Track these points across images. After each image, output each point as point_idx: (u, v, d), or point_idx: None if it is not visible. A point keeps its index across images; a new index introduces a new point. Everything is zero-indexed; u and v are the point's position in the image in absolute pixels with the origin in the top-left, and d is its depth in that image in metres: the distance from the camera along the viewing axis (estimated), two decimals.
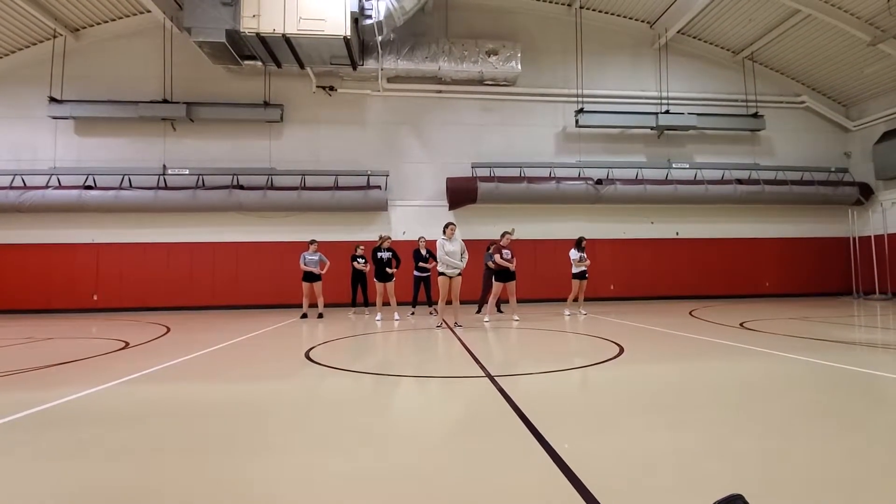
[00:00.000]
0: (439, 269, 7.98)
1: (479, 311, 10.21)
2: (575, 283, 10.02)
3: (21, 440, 2.65)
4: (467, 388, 3.82)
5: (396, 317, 9.37)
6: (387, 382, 4.16)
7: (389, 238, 9.81)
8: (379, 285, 9.45)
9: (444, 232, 8.04)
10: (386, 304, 9.62)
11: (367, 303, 11.34)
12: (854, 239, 15.04)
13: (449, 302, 8.02)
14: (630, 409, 3.18)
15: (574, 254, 10.06)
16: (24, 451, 2.48)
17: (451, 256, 7.93)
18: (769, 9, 13.29)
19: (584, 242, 10.22)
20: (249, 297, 13.28)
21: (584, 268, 10.04)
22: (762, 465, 2.16)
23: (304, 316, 10.08)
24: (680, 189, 14.04)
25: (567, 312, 10.05)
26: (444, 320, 8.22)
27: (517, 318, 8.92)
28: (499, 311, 10.31)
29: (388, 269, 9.43)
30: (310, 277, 10.05)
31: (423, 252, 10.67)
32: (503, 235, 9.01)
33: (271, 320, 9.80)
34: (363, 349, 6.21)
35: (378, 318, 9.34)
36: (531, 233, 13.64)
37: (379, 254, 9.40)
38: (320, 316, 10.15)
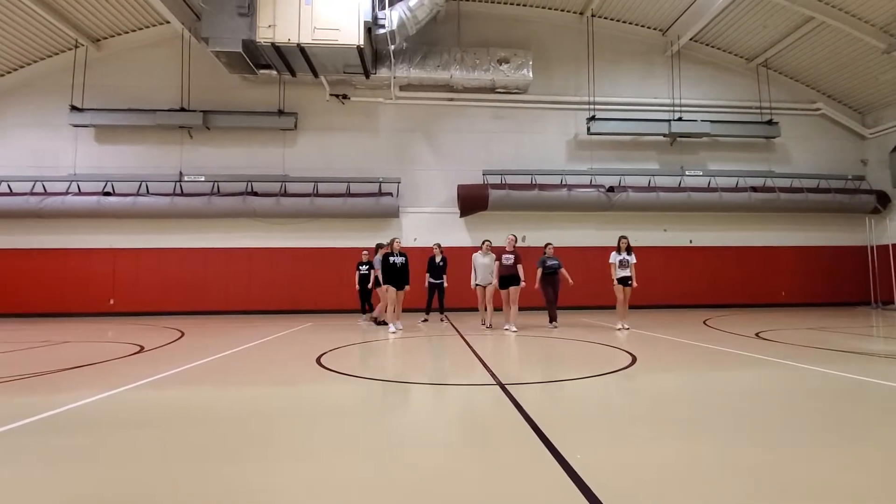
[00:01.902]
0: (472, 280, 8.94)
1: (551, 322, 8.98)
2: (617, 289, 8.63)
3: (36, 443, 2.70)
4: (477, 395, 3.81)
5: (391, 329, 8.40)
6: (397, 390, 4.17)
7: (397, 239, 8.90)
8: (392, 292, 8.56)
9: (481, 247, 9.03)
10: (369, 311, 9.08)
11: (371, 310, 10.81)
12: (872, 248, 14.78)
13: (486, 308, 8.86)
14: (643, 419, 3.15)
15: (613, 257, 8.66)
16: (39, 454, 2.53)
17: (483, 269, 8.77)
18: (783, 16, 13.21)
19: (626, 242, 8.63)
20: (262, 302, 13.40)
21: (627, 273, 8.58)
22: (778, 478, 2.13)
23: (384, 322, 9.54)
24: (693, 196, 13.93)
25: (619, 326, 8.64)
26: (484, 321, 8.97)
27: (515, 328, 8.36)
28: (552, 322, 9.03)
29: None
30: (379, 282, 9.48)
31: (438, 260, 10.30)
32: (507, 239, 8.71)
33: (283, 326, 9.87)
34: (374, 356, 6.23)
35: (393, 328, 8.45)
36: (542, 240, 13.53)
37: (392, 258, 8.59)
38: (377, 322, 9.78)
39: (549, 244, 9.36)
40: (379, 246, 9.48)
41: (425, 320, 10.31)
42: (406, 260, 8.73)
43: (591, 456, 2.38)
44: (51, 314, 12.94)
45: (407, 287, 8.72)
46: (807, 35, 13.56)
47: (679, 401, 3.62)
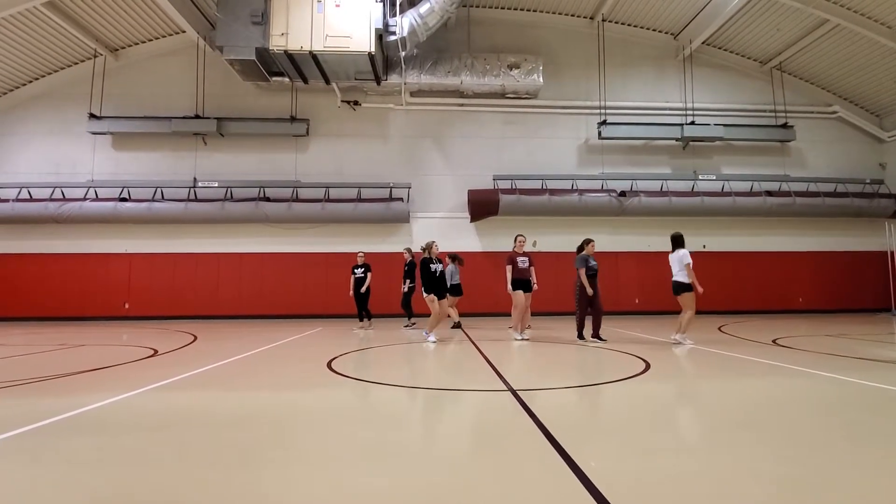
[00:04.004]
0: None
1: (581, 337, 7.62)
2: (687, 296, 7.24)
3: (57, 444, 2.74)
4: (489, 402, 3.78)
5: (431, 339, 7.70)
6: (409, 395, 4.16)
7: (435, 243, 8.14)
8: (445, 300, 7.94)
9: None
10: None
11: (369, 316, 10.74)
12: (891, 253, 14.43)
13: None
14: (657, 427, 3.10)
15: (687, 256, 7.14)
16: (60, 454, 2.56)
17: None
18: (797, 19, 13.06)
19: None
20: (273, 306, 13.50)
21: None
22: (800, 490, 2.08)
23: (458, 325, 9.86)
24: (706, 201, 13.77)
25: (685, 340, 7.38)
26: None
27: (522, 336, 7.91)
28: (597, 337, 7.54)
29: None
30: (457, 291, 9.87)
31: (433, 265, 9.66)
32: (516, 240, 8.07)
33: (294, 330, 9.92)
34: (385, 361, 6.23)
35: (433, 338, 7.77)
36: (553, 245, 13.50)
37: (433, 265, 7.80)
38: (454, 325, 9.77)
39: (591, 241, 7.75)
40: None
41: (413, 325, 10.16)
42: (443, 266, 8.20)
43: (606, 465, 2.34)
44: (68, 318, 13.16)
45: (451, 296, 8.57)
46: (822, 38, 13.38)
47: (696, 409, 3.56)
